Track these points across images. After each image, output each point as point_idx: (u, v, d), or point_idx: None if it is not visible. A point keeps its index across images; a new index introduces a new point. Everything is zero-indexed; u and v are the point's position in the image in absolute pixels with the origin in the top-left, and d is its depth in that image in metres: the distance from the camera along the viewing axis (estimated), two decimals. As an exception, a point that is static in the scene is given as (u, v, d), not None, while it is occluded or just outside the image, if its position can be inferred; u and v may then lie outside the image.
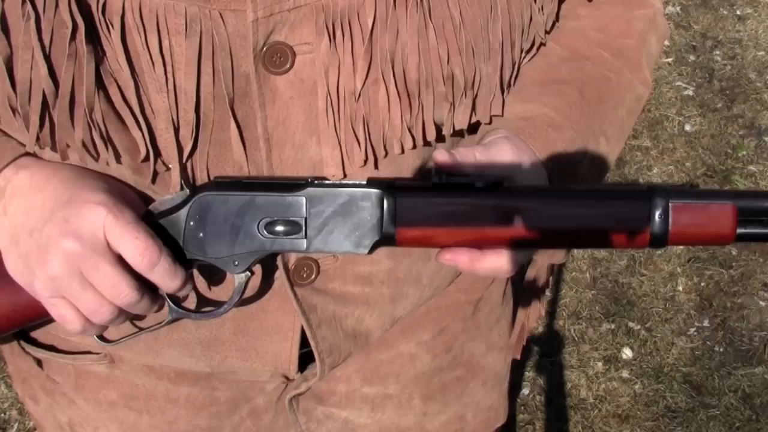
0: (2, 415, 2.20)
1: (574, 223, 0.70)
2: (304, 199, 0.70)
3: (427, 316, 0.93)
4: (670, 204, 0.69)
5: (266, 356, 0.84)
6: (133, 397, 0.89)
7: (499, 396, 1.06)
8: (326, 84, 0.70)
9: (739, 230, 0.70)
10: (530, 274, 0.97)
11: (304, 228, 0.71)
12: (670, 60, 3.32)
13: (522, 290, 1.01)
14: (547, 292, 2.47)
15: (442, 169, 0.71)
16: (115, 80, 0.68)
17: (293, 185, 0.71)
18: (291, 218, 0.70)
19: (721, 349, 2.36)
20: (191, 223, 0.71)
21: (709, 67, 3.29)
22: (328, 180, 0.72)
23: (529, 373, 2.29)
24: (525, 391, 2.25)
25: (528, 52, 0.81)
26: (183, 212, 0.71)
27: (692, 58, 3.33)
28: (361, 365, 0.92)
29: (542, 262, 0.94)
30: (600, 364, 2.33)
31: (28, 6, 0.65)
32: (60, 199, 0.69)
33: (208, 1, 0.66)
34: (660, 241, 0.70)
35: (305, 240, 0.71)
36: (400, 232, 0.70)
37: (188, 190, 0.71)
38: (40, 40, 0.65)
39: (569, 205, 0.70)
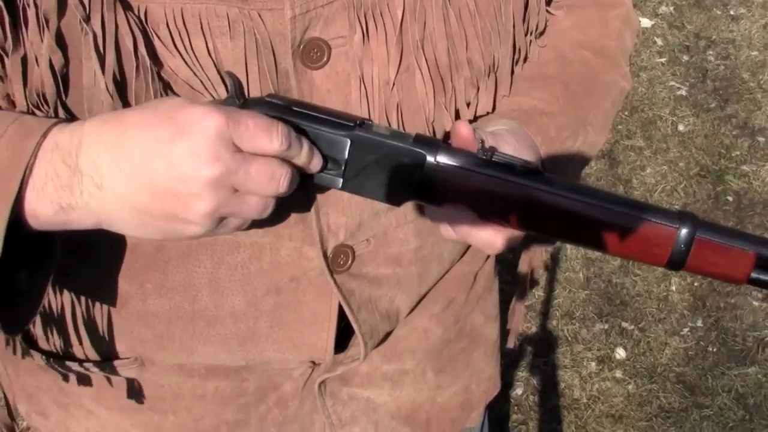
0: None
1: (599, 225, 0.71)
2: (348, 142, 0.70)
3: (437, 290, 0.95)
4: (695, 236, 0.70)
5: (302, 347, 0.85)
6: (158, 398, 0.88)
7: (495, 366, 1.10)
8: (360, 75, 0.73)
9: (753, 275, 0.71)
10: (524, 260, 0.99)
11: (343, 168, 0.71)
12: (663, 60, 3.32)
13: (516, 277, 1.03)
14: (540, 292, 2.47)
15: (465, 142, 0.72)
16: (170, 85, 0.69)
17: (341, 124, 0.71)
18: (333, 155, 0.71)
19: (715, 349, 2.36)
20: None
21: (702, 67, 3.29)
22: (376, 125, 0.72)
23: (522, 373, 2.29)
24: (518, 391, 2.25)
25: (535, 34, 0.85)
26: None
27: (686, 58, 3.34)
28: (381, 344, 0.93)
29: (534, 251, 0.96)
30: (593, 364, 2.32)
31: (87, 24, 0.65)
32: (161, 138, 0.61)
33: (246, 2, 0.68)
34: (676, 266, 0.71)
35: (342, 179, 0.71)
36: (436, 194, 0.72)
37: (238, 102, 0.70)
38: (101, 53, 0.66)
39: (600, 206, 0.71)
